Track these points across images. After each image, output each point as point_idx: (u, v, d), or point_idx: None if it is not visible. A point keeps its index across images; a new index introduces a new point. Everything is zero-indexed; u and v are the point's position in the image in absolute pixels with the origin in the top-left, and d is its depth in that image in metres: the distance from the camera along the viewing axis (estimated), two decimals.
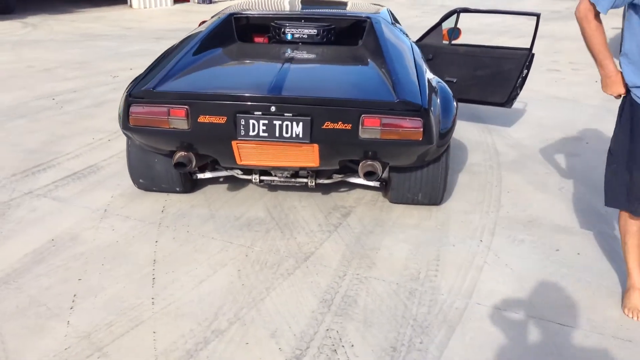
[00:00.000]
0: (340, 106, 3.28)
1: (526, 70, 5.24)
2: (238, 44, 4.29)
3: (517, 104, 6.65)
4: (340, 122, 3.29)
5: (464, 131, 5.75)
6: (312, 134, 3.32)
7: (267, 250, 3.45)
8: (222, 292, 3.02)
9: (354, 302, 2.98)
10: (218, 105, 3.32)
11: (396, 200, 3.99)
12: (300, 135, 3.33)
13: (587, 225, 3.83)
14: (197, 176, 4.12)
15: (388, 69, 3.55)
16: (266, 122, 3.32)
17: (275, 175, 3.88)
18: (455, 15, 5.35)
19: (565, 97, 7.37)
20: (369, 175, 3.50)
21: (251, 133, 3.34)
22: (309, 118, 3.29)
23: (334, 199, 4.14)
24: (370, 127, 3.28)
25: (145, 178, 3.99)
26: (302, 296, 3.01)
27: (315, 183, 3.90)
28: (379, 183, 4.03)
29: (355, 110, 3.27)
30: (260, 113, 3.30)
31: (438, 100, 3.62)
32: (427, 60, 5.32)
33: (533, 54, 5.20)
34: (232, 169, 3.91)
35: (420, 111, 3.26)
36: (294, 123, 3.31)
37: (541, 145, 5.40)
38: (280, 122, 3.32)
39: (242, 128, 3.33)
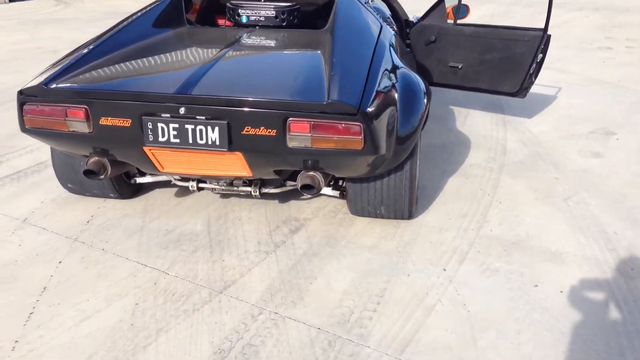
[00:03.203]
0: (260, 108, 2.69)
1: (541, 55, 4.45)
2: (185, 28, 3.73)
3: (547, 90, 5.86)
4: (262, 128, 2.71)
5: (474, 122, 5.04)
6: (231, 141, 2.75)
7: (183, 276, 2.92)
8: (103, 335, 2.51)
9: (255, 354, 2.41)
10: (121, 106, 2.79)
11: (356, 213, 3.38)
12: (217, 142, 2.76)
13: (586, 251, 3.12)
14: (135, 180, 3.62)
15: (332, 61, 2.92)
16: (177, 126, 2.77)
17: (212, 183, 3.33)
18: None
19: (609, 80, 6.48)
20: (306, 189, 2.91)
21: (161, 139, 2.80)
22: (226, 122, 2.72)
23: (290, 209, 3.56)
24: (298, 134, 2.68)
25: (74, 182, 3.52)
26: (195, 343, 2.46)
27: (260, 192, 3.33)
28: (337, 193, 3.43)
29: (278, 113, 2.67)
30: (168, 116, 2.75)
31: (396, 97, 2.96)
32: (430, 43, 4.65)
33: (549, 35, 4.40)
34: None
35: (356, 114, 2.63)
36: (209, 128, 2.74)
37: (561, 142, 4.63)
38: (192, 127, 2.76)
39: (149, 133, 2.79)
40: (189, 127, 2.76)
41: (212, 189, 3.37)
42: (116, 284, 2.85)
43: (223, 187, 3.34)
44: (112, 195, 3.59)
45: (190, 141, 2.78)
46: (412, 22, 4.88)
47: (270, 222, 3.42)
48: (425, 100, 3.21)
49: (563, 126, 5.01)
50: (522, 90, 4.53)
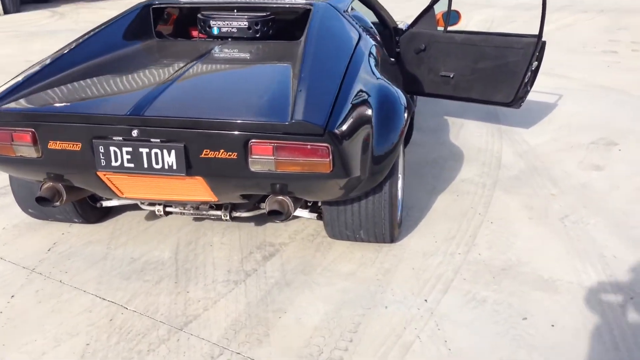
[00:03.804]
0: (219, 130, 2.46)
1: (536, 63, 4.21)
2: (153, 42, 3.52)
3: (547, 97, 5.61)
4: (222, 151, 2.48)
5: (468, 134, 4.79)
6: (189, 165, 2.53)
7: (142, 310, 2.69)
8: None
9: None
10: (69, 129, 2.57)
11: (334, 237, 3.15)
12: (174, 167, 2.54)
13: (581, 278, 2.87)
14: (101, 204, 3.40)
15: (300, 76, 2.69)
16: (130, 149, 2.55)
17: (178, 208, 3.11)
18: None
19: (613, 86, 6.22)
20: (274, 214, 2.68)
21: (114, 163, 2.58)
22: (182, 145, 2.49)
23: (265, 232, 3.33)
24: (261, 157, 2.45)
25: (34, 208, 3.31)
26: None
27: (230, 217, 3.10)
28: (315, 215, 3.19)
29: (238, 135, 2.44)
30: (120, 139, 2.53)
31: (371, 114, 2.73)
32: (420, 52, 4.42)
33: (544, 42, 4.16)
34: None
35: (323, 135, 2.39)
36: (165, 151, 2.52)
37: (559, 155, 4.37)
38: (147, 150, 2.54)
39: (101, 157, 2.57)
40: (144, 150, 2.54)
41: (181, 213, 3.15)
42: (68, 321, 2.63)
43: (191, 212, 3.11)
44: (76, 220, 3.38)
45: (146, 166, 2.56)
46: (402, 29, 4.65)
47: (244, 248, 3.19)
48: (405, 115, 2.98)
49: (562, 137, 4.76)
50: (516, 100, 4.29)
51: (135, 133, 2.50)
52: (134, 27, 3.50)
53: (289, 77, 2.80)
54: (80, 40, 3.24)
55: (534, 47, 4.11)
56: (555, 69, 6.80)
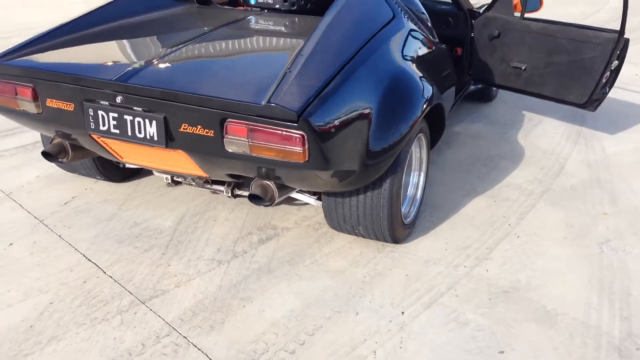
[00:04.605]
0: (195, 105, 2.36)
1: (617, 62, 3.71)
2: (189, 7, 3.47)
3: None
4: (199, 127, 2.39)
5: (541, 133, 4.39)
6: (170, 137, 2.47)
7: (118, 277, 2.69)
8: None
9: None
10: (63, 88, 2.59)
11: (334, 228, 2.98)
12: (155, 137, 2.49)
13: (590, 317, 2.53)
14: (124, 164, 3.44)
15: (298, 56, 2.51)
16: (116, 115, 2.53)
17: (181, 178, 3.08)
18: None
19: None
20: (254, 199, 2.57)
21: (101, 127, 2.57)
22: (162, 116, 2.43)
23: (274, 214, 3.23)
24: (236, 138, 2.33)
25: None
26: None
27: (233, 194, 3.03)
28: (320, 203, 3.04)
29: (214, 112, 2.33)
30: (107, 103, 2.51)
31: (371, 105, 2.51)
32: (493, 39, 4.06)
33: (627, 39, 3.66)
34: None
35: (296, 122, 2.22)
36: (147, 120, 2.47)
37: (634, 168, 3.88)
38: (131, 118, 2.50)
39: (91, 120, 2.57)
40: (128, 118, 2.51)
41: (188, 184, 3.11)
42: (46, 277, 2.68)
43: (193, 184, 3.06)
44: (98, 177, 3.44)
45: (129, 133, 2.53)
46: (478, 12, 4.28)
47: (245, 227, 3.10)
48: (421, 108, 2.73)
49: None
50: (590, 101, 3.84)
51: (119, 99, 2.47)
52: None
53: (290, 56, 2.64)
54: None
55: (614, 44, 3.62)
56: None
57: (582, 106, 3.90)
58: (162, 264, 2.80)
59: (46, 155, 2.88)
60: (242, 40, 3.01)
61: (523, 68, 4.01)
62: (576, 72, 3.82)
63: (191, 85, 2.44)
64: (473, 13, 4.27)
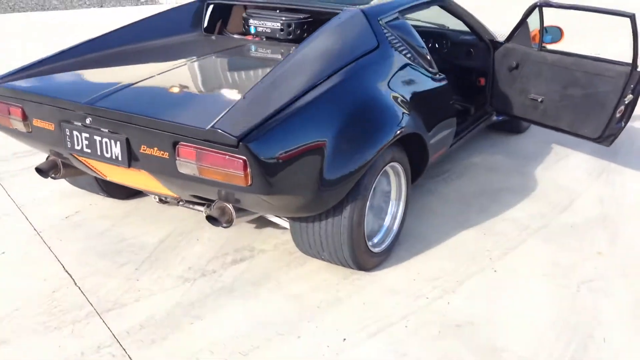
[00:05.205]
0: (151, 127, 2.48)
1: (631, 95, 3.55)
2: (194, 35, 3.64)
3: None
4: (156, 148, 2.51)
5: (563, 167, 4.28)
6: (132, 158, 2.60)
7: (86, 289, 2.83)
8: None
9: None
10: (44, 109, 2.79)
11: (303, 252, 3.00)
12: (119, 158, 2.63)
13: (537, 354, 2.41)
14: None
15: (258, 83, 2.58)
16: (87, 136, 2.69)
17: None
18: (537, 11, 3.86)
19: None
20: (211, 220, 2.65)
21: (76, 146, 2.75)
22: (125, 137, 2.57)
23: (257, 236, 3.30)
24: (186, 160, 2.43)
25: None
26: None
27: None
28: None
29: (167, 135, 2.45)
30: (80, 124, 2.69)
31: (327, 134, 2.54)
32: (512, 69, 4.01)
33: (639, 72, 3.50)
34: None
35: (237, 147, 2.29)
36: (112, 141, 2.62)
37: None
38: (100, 138, 2.66)
39: (67, 139, 2.76)
40: (97, 138, 2.66)
41: (174, 204, 3.23)
42: (21, 286, 2.85)
43: (177, 204, 3.18)
44: (101, 193, 3.63)
45: (99, 153, 2.68)
46: (499, 43, 4.23)
47: (223, 248, 3.19)
48: (385, 139, 2.73)
49: None
50: (605, 137, 3.68)
51: (88, 121, 2.63)
52: (181, 19, 3.64)
53: (253, 81, 2.72)
54: (124, 26, 3.45)
55: (627, 77, 3.48)
56: None
57: (596, 140, 3.75)
58: (132, 278, 2.92)
59: (39, 171, 3.08)
60: (220, 68, 3.12)
61: (540, 100, 3.92)
62: (590, 106, 3.69)
63: (149, 109, 2.56)
64: (495, 44, 4.21)
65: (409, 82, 3.15)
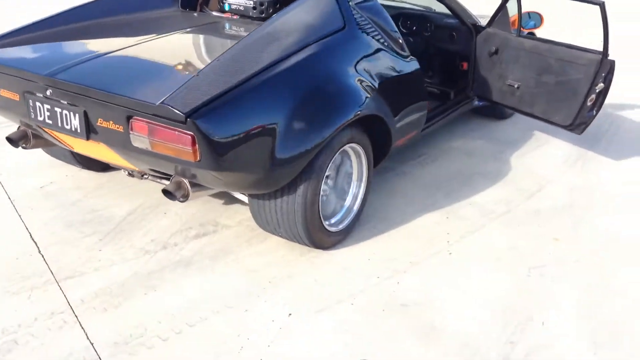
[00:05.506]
0: (106, 101, 2.55)
1: (602, 84, 3.55)
2: (171, 10, 3.67)
3: None
4: (111, 122, 2.58)
5: (541, 154, 4.28)
6: (89, 130, 2.67)
7: (49, 257, 2.92)
8: None
9: (8, 351, 2.34)
10: (10, 80, 2.85)
11: (262, 228, 3.06)
12: (78, 130, 2.70)
13: (476, 335, 2.47)
14: None
15: (215, 60, 2.63)
16: (49, 107, 2.76)
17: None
18: None
19: None
20: (166, 194, 2.72)
21: (39, 117, 2.82)
22: (82, 110, 2.64)
23: (224, 211, 3.36)
24: (139, 135, 2.49)
25: None
26: None
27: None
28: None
29: (121, 109, 2.51)
30: (41, 96, 2.76)
31: (281, 112, 2.59)
32: (492, 55, 4.01)
33: (612, 62, 3.49)
34: None
35: (184, 122, 2.35)
36: (71, 113, 2.69)
37: (617, 200, 3.69)
38: (60, 110, 2.73)
39: (31, 110, 2.83)
40: (57, 110, 2.73)
41: (140, 177, 3.29)
42: None
43: (144, 178, 3.24)
44: (76, 165, 3.70)
45: (59, 125, 2.75)
46: (481, 27, 4.23)
47: (189, 222, 3.26)
48: (341, 120, 2.77)
49: None
50: (576, 124, 3.69)
51: (49, 92, 2.69)
52: None
53: (211, 57, 2.77)
54: None
55: (598, 65, 3.48)
56: None
57: (568, 128, 3.76)
58: (95, 248, 3.00)
59: (10, 140, 3.14)
60: (185, 44, 3.17)
61: (516, 86, 3.93)
62: (562, 93, 3.70)
63: (107, 83, 2.61)
64: (477, 28, 4.21)
65: (375, 65, 3.17)
